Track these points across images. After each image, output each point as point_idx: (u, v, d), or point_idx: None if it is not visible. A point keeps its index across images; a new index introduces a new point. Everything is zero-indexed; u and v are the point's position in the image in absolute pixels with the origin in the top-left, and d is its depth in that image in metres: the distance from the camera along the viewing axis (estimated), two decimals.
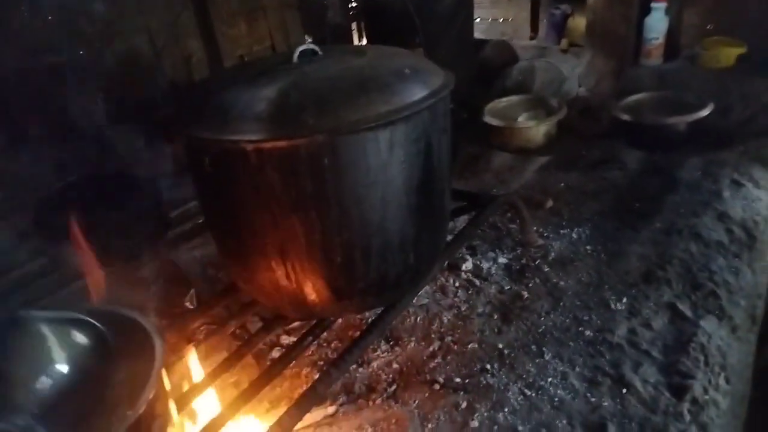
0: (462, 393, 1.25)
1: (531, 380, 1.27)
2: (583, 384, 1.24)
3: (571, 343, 1.36)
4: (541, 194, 2.04)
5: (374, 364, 1.37)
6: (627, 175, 2.13)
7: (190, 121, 1.04)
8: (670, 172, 2.08)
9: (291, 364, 1.25)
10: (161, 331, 0.84)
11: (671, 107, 2.27)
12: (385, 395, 1.27)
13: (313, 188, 0.99)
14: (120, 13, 1.97)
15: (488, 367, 1.32)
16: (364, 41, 2.95)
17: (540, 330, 1.41)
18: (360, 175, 1.01)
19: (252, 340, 1.25)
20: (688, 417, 1.13)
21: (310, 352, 1.42)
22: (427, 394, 1.26)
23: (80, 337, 0.85)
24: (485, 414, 1.20)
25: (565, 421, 1.16)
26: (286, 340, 1.45)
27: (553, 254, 1.70)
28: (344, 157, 0.98)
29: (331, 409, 1.24)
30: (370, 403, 1.26)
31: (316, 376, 1.14)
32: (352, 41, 3.06)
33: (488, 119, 2.46)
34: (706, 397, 1.18)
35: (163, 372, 0.77)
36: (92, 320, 0.85)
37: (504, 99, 2.67)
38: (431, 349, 1.40)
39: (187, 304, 1.55)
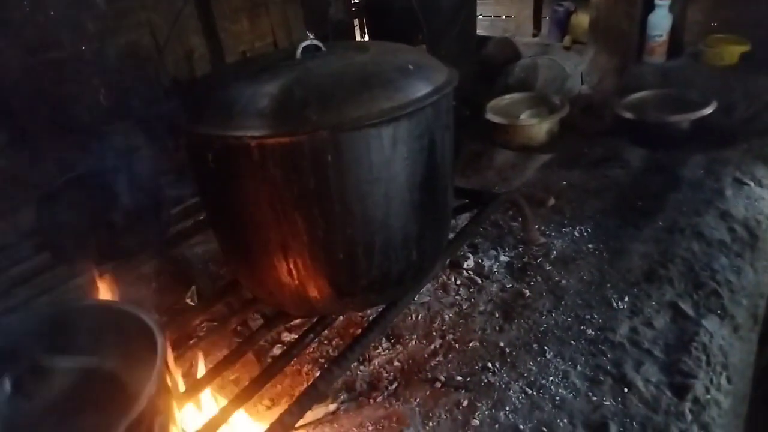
0: (463, 391, 1.25)
1: (532, 379, 1.26)
2: (584, 383, 1.24)
3: (573, 342, 1.36)
4: (543, 192, 2.03)
5: (375, 362, 1.36)
6: (629, 173, 2.13)
7: (192, 117, 1.04)
8: (673, 171, 2.07)
9: (292, 362, 1.25)
10: (162, 327, 0.84)
11: (674, 105, 2.26)
12: (386, 393, 1.27)
13: (316, 184, 0.99)
14: (122, 8, 1.97)
15: (489, 365, 1.32)
16: (367, 37, 2.94)
17: (541, 328, 1.41)
18: (363, 172, 1.00)
19: (253, 338, 1.25)
20: (689, 416, 1.13)
21: (311, 350, 1.41)
22: (428, 392, 1.26)
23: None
24: (486, 412, 1.19)
25: (566, 420, 1.15)
26: (287, 337, 1.45)
27: (554, 252, 1.70)
28: (347, 154, 0.98)
29: (332, 407, 1.24)
30: (372, 401, 1.26)
31: (318, 374, 1.14)
32: (354, 37, 3.05)
33: (491, 117, 2.45)
34: (708, 396, 1.17)
35: (165, 369, 0.77)
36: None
37: (506, 96, 2.66)
38: (432, 347, 1.39)
39: (189, 300, 1.55)
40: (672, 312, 1.41)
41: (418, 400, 1.24)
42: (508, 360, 1.33)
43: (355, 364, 1.35)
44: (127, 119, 1.99)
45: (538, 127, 2.41)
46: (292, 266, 1.08)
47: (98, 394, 0.80)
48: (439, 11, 2.51)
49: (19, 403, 0.79)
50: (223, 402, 1.07)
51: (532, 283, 1.58)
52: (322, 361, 1.39)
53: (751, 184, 1.92)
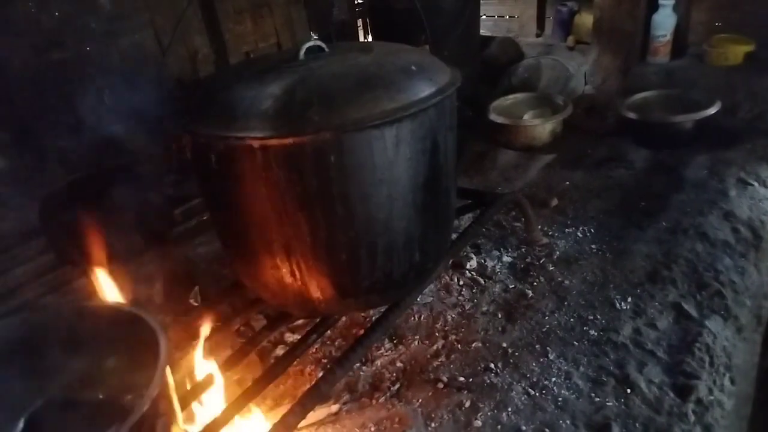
0: (466, 392, 1.25)
1: (535, 380, 1.26)
2: (587, 384, 1.24)
3: (576, 343, 1.35)
4: (547, 193, 2.03)
5: (378, 363, 1.36)
6: (633, 173, 2.12)
7: (196, 118, 1.04)
8: (677, 171, 2.07)
9: (295, 362, 1.25)
10: (165, 328, 0.84)
11: (678, 105, 2.25)
12: (388, 394, 1.27)
13: (319, 186, 0.99)
14: (126, 9, 1.97)
15: (492, 366, 1.32)
16: (370, 38, 2.94)
17: (544, 329, 1.41)
18: (366, 173, 1.00)
19: (256, 338, 1.25)
20: (692, 418, 1.13)
21: (314, 350, 1.42)
22: (430, 393, 1.26)
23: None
24: (489, 413, 1.19)
25: (568, 421, 1.15)
26: (290, 337, 1.45)
27: (557, 253, 1.70)
28: (350, 155, 0.98)
29: (334, 408, 1.24)
30: (374, 401, 1.26)
31: (320, 374, 1.14)
32: (357, 38, 3.05)
33: (494, 117, 2.45)
34: (711, 397, 1.17)
35: (167, 369, 0.78)
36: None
37: (510, 96, 2.66)
38: (435, 347, 1.39)
39: (192, 301, 1.55)
40: (675, 313, 1.41)
41: (420, 400, 1.24)
42: (511, 361, 1.33)
43: (358, 364, 1.35)
44: (131, 120, 1.99)
45: (542, 128, 2.41)
46: (294, 267, 1.08)
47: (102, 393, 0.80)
48: (442, 11, 2.51)
49: None
50: (226, 402, 1.08)
51: (535, 283, 1.58)
52: (325, 361, 1.39)
53: (755, 184, 1.92)
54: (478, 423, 1.17)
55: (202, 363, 1.13)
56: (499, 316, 1.48)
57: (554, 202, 1.97)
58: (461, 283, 1.62)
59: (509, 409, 1.20)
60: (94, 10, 1.90)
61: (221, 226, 1.23)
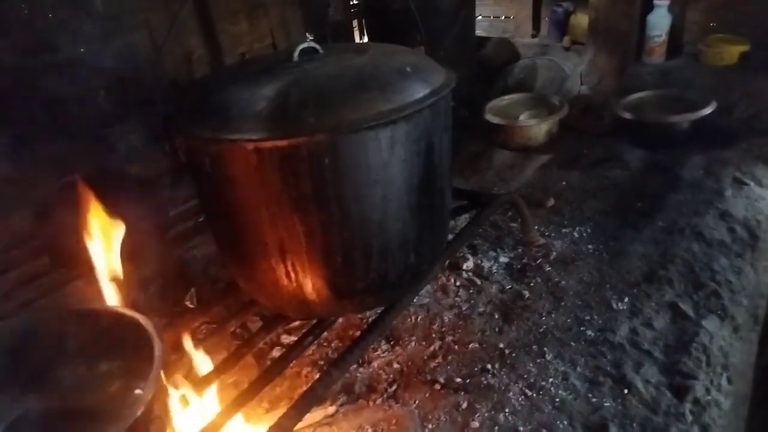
0: (463, 393, 1.25)
1: (532, 380, 1.26)
2: (584, 384, 1.24)
3: (573, 343, 1.35)
4: (543, 193, 2.03)
5: (375, 364, 1.36)
6: (629, 173, 2.12)
7: (190, 120, 1.04)
8: (673, 171, 2.07)
9: (291, 364, 1.25)
10: (160, 330, 0.83)
11: (674, 105, 2.26)
12: (385, 395, 1.27)
13: (314, 187, 0.98)
14: (120, 10, 1.97)
15: (489, 367, 1.31)
16: (366, 38, 2.94)
17: (541, 330, 1.41)
18: (361, 175, 1.00)
19: (252, 340, 1.24)
20: (689, 418, 1.13)
21: (310, 352, 1.41)
22: (427, 395, 1.26)
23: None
24: (486, 414, 1.19)
25: (566, 422, 1.15)
26: (286, 339, 1.44)
27: (554, 253, 1.70)
28: (345, 157, 0.97)
29: (331, 409, 1.23)
30: (371, 403, 1.25)
31: (317, 376, 1.13)
32: (353, 39, 3.05)
33: (490, 117, 2.45)
34: (708, 397, 1.17)
35: (162, 372, 0.77)
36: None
37: (506, 97, 2.66)
38: (432, 348, 1.39)
39: (187, 303, 1.54)
40: (672, 313, 1.41)
41: (417, 402, 1.24)
42: (508, 361, 1.32)
43: (354, 366, 1.34)
44: (126, 121, 1.99)
45: (537, 128, 2.41)
46: (290, 269, 1.08)
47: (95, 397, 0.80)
48: (437, 12, 2.51)
49: None
50: (222, 405, 1.07)
51: (532, 284, 1.58)
52: (321, 363, 1.39)
53: (751, 184, 1.92)
54: (476, 424, 1.17)
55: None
56: (496, 316, 1.48)
57: (550, 202, 1.97)
58: (458, 284, 1.61)
59: (506, 410, 1.20)
60: (88, 11, 1.89)
61: (216, 228, 1.22)
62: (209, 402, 1.08)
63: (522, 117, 2.53)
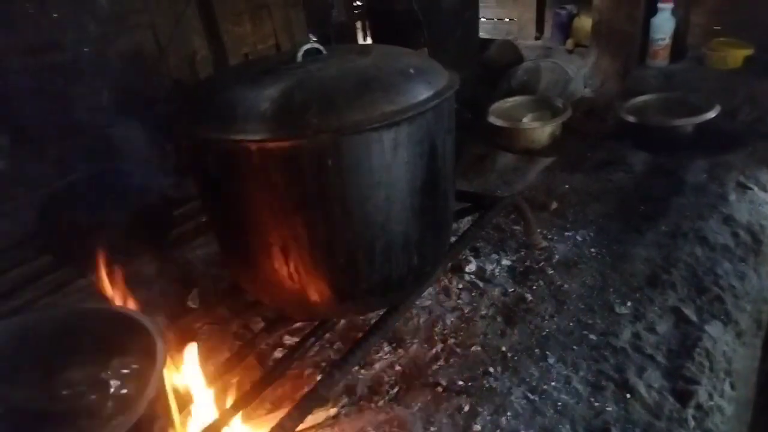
0: (465, 396, 1.24)
1: (534, 384, 1.26)
2: (586, 388, 1.23)
3: (575, 347, 1.35)
4: (546, 196, 2.03)
5: (377, 366, 1.36)
6: (632, 177, 2.12)
7: (193, 120, 1.04)
8: (676, 175, 2.06)
9: (293, 365, 1.25)
10: (163, 330, 0.83)
11: (677, 109, 2.25)
12: (387, 397, 1.27)
13: (317, 188, 0.99)
14: (124, 10, 1.97)
15: (491, 370, 1.31)
16: (369, 40, 2.94)
17: (544, 333, 1.40)
18: (364, 176, 1.00)
19: (254, 341, 1.24)
20: (692, 423, 1.12)
21: (312, 353, 1.41)
22: (429, 397, 1.25)
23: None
24: (488, 418, 1.19)
25: (568, 426, 1.15)
26: (288, 340, 1.44)
27: (557, 257, 1.69)
28: (348, 158, 0.97)
29: (333, 411, 1.23)
30: (373, 405, 1.25)
31: (319, 378, 1.13)
32: (356, 40, 3.05)
33: (493, 120, 2.45)
34: (711, 403, 1.16)
35: (164, 372, 0.77)
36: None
37: (509, 99, 2.65)
38: (434, 351, 1.39)
39: (190, 303, 1.54)
40: (675, 317, 1.40)
41: (419, 404, 1.24)
42: (510, 365, 1.32)
43: (357, 368, 1.34)
44: (130, 121, 1.99)
45: (541, 131, 2.41)
46: (292, 270, 1.08)
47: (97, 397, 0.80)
48: (441, 14, 2.51)
49: None
50: (224, 406, 1.07)
51: (534, 287, 1.58)
52: (324, 364, 1.38)
53: (755, 188, 1.91)
54: (477, 427, 1.17)
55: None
56: (499, 319, 1.48)
57: (554, 205, 1.96)
58: (460, 286, 1.61)
59: (508, 414, 1.19)
60: (93, 11, 1.90)
61: (219, 229, 1.22)
62: (212, 403, 1.08)
63: (525, 119, 2.53)
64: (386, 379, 1.32)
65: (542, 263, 1.67)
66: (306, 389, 1.16)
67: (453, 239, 1.43)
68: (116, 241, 1.36)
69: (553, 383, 1.25)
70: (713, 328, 1.35)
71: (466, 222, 1.74)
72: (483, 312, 1.51)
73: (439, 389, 1.27)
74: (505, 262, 1.70)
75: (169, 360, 0.84)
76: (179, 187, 1.69)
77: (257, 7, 2.40)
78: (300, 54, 1.09)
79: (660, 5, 2.49)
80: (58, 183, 1.58)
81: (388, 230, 1.08)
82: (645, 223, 1.80)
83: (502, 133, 2.45)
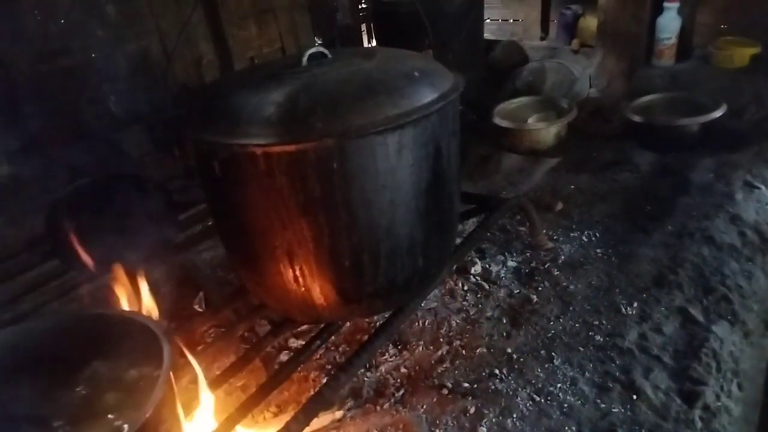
0: (470, 398, 1.24)
1: (540, 386, 1.26)
2: (592, 390, 1.23)
3: (581, 348, 1.35)
4: (551, 197, 2.02)
5: (382, 369, 1.36)
6: (638, 177, 2.11)
7: (199, 125, 1.05)
8: (682, 174, 2.06)
9: (299, 368, 1.25)
10: (169, 334, 0.84)
11: (684, 108, 2.24)
12: (392, 400, 1.27)
13: (322, 192, 0.99)
14: (131, 16, 1.99)
15: (497, 372, 1.31)
16: (374, 42, 2.95)
17: (549, 335, 1.40)
18: (369, 179, 1.00)
19: (260, 344, 1.25)
20: (699, 424, 1.12)
21: (318, 356, 1.41)
22: (435, 399, 1.25)
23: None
24: (494, 420, 1.19)
25: (574, 428, 1.15)
26: (294, 343, 1.45)
27: (562, 257, 1.69)
28: (353, 161, 0.98)
29: (338, 414, 1.23)
30: (378, 407, 1.25)
31: (324, 380, 1.14)
32: (361, 42, 3.06)
33: (498, 121, 2.45)
34: (718, 403, 1.16)
35: (171, 376, 0.78)
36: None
37: (514, 100, 2.65)
38: (439, 353, 1.39)
39: (196, 306, 1.55)
40: (681, 318, 1.40)
41: (424, 407, 1.24)
42: (516, 366, 1.32)
43: (362, 370, 1.34)
44: (137, 125, 2.01)
45: (546, 131, 2.40)
46: (298, 273, 1.08)
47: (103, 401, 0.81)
48: (446, 16, 2.51)
49: None
50: (230, 409, 1.08)
51: (540, 288, 1.57)
52: (329, 367, 1.39)
53: (762, 187, 1.90)
54: (483, 429, 1.17)
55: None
56: (504, 321, 1.47)
57: (559, 206, 1.96)
58: (466, 288, 1.61)
59: (514, 416, 1.19)
60: (100, 17, 1.91)
61: (225, 232, 1.23)
62: (217, 406, 1.08)
63: (531, 120, 2.53)
64: (392, 381, 1.32)
65: (548, 264, 1.67)
66: (312, 392, 1.16)
67: (458, 241, 1.43)
68: (123, 245, 1.37)
69: (559, 385, 1.25)
70: (720, 329, 1.34)
71: (471, 223, 1.74)
72: (488, 314, 1.51)
73: (445, 391, 1.27)
74: (511, 263, 1.70)
75: (175, 363, 0.85)
76: (186, 190, 1.70)
77: (263, 11, 2.42)
78: (305, 58, 1.10)
79: (666, 4, 2.47)
80: (65, 188, 1.60)
81: (393, 233, 1.08)
82: (651, 223, 1.79)
83: (507, 134, 2.44)
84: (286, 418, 1.01)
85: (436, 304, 1.55)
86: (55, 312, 1.39)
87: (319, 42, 1.10)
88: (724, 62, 2.49)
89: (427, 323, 1.49)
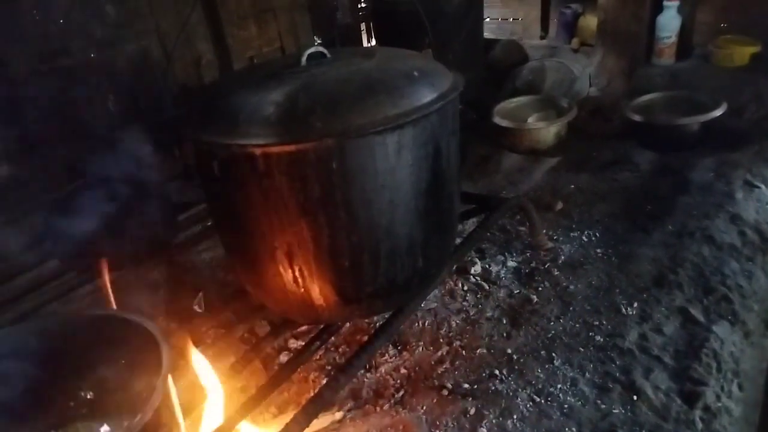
0: (470, 399, 1.24)
1: (540, 386, 1.25)
2: (593, 390, 1.23)
3: (581, 349, 1.34)
4: (551, 196, 2.02)
5: (382, 369, 1.36)
6: (638, 176, 2.11)
7: (198, 125, 1.04)
8: (682, 174, 2.05)
9: (299, 369, 1.25)
10: (168, 335, 0.84)
11: (684, 107, 2.24)
12: (392, 401, 1.27)
13: (321, 192, 0.99)
14: (130, 16, 1.98)
15: (497, 372, 1.31)
16: (374, 41, 2.94)
17: (549, 335, 1.40)
18: (368, 179, 1.00)
19: (260, 345, 1.25)
20: (700, 424, 1.12)
21: (318, 357, 1.41)
22: (435, 400, 1.25)
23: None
24: (494, 421, 1.19)
25: (574, 429, 1.14)
26: (294, 344, 1.44)
27: (563, 257, 1.69)
28: (352, 161, 0.98)
29: (338, 415, 1.23)
30: (378, 408, 1.25)
31: (324, 381, 1.13)
32: (361, 42, 3.05)
33: (498, 120, 2.44)
34: (719, 404, 1.16)
35: (170, 378, 0.77)
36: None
37: (514, 99, 2.65)
38: (439, 354, 1.39)
39: (196, 307, 1.55)
40: (682, 318, 1.40)
41: (424, 407, 1.24)
42: (516, 367, 1.32)
43: (362, 371, 1.34)
44: (136, 125, 2.00)
45: (546, 131, 2.40)
46: (297, 274, 1.08)
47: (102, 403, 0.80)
48: (445, 15, 2.50)
49: None
50: (230, 410, 1.07)
51: (540, 288, 1.57)
52: (329, 368, 1.38)
53: (762, 186, 1.90)
54: (483, 430, 1.17)
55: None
56: (504, 321, 1.47)
57: (559, 205, 1.96)
58: (465, 288, 1.61)
59: (514, 417, 1.19)
60: (99, 16, 1.91)
61: (224, 233, 1.23)
62: (217, 407, 1.08)
63: (530, 119, 2.52)
64: (391, 382, 1.32)
65: (548, 264, 1.66)
66: (311, 393, 1.16)
67: (458, 241, 1.43)
68: (122, 246, 1.37)
69: (559, 385, 1.25)
70: (721, 329, 1.34)
71: (471, 224, 1.73)
72: (488, 314, 1.50)
73: (445, 392, 1.27)
74: (511, 263, 1.70)
75: (174, 365, 0.84)
76: (185, 191, 1.70)
77: (262, 10, 2.41)
78: (304, 58, 1.09)
79: (666, 3, 2.47)
80: (65, 188, 1.59)
81: (392, 233, 1.08)
82: (651, 222, 1.79)
83: (507, 133, 2.44)
84: (285, 419, 1.00)
85: (436, 304, 1.55)
86: (55, 312, 1.38)
87: (319, 41, 1.10)
88: (724, 61, 2.48)
89: (427, 324, 1.49)
